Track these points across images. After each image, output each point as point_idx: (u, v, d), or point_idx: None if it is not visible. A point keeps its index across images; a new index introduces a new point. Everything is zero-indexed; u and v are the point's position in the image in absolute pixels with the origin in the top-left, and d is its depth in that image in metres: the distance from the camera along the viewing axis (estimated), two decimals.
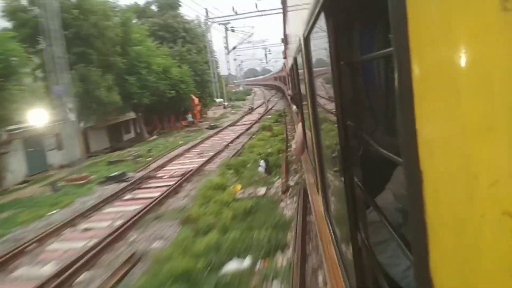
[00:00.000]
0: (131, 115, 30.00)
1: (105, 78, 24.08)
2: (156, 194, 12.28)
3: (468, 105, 0.47)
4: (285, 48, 9.76)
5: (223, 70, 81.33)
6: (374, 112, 2.20)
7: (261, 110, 42.18)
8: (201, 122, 35.75)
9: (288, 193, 10.99)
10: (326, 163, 2.76)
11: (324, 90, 2.44)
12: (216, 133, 26.82)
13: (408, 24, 0.59)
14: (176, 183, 13.48)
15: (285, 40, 8.97)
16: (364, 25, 1.97)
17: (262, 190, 11.49)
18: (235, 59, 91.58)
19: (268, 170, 12.98)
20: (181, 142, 24.59)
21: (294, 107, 7.76)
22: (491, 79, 0.44)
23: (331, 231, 2.66)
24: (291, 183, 11.85)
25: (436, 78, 0.54)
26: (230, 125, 30.66)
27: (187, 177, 14.29)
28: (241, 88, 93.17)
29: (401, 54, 0.62)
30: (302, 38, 2.91)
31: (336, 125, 1.87)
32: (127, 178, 15.50)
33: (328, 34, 1.75)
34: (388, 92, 2.19)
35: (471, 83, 0.47)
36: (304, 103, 3.91)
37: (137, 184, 14.46)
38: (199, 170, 15.44)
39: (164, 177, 15.23)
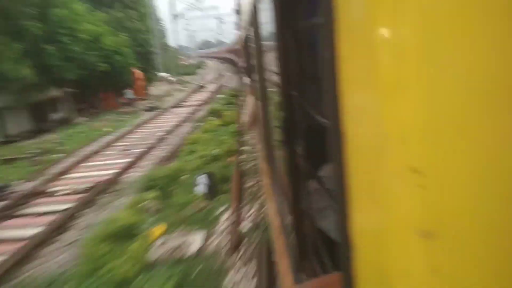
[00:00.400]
0: (58, 92, 25.13)
1: (12, 47, 19.56)
2: (30, 232, 7.01)
3: (381, 64, 0.47)
4: (238, 19, 9.59)
5: (174, 41, 72.58)
6: (319, 81, 2.21)
7: (212, 87, 35.29)
8: (143, 100, 29.26)
9: (240, 252, 6.01)
10: (273, 134, 2.77)
11: (271, 59, 2.41)
12: (154, 117, 20.94)
13: None
14: (70, 208, 8.14)
15: (238, 11, 8.80)
16: None
17: (196, 241, 6.30)
18: (186, 30, 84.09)
19: (211, 191, 8.28)
20: (107, 129, 18.64)
21: (246, 78, 7.70)
22: (402, 38, 0.44)
23: (276, 200, 2.70)
24: (247, 222, 6.89)
25: (357, 42, 0.55)
26: (173, 107, 24.73)
27: (91, 197, 8.81)
28: (192, 61, 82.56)
29: (329, 23, 0.62)
30: (252, 7, 2.85)
31: (280, 95, 1.86)
32: (5, 194, 9.79)
33: (272, 2, 1.71)
34: None
35: (382, 39, 0.46)
36: (254, 73, 3.88)
37: (13, 209, 8.58)
38: (113, 182, 9.87)
39: (58, 194, 9.50)
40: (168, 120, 19.22)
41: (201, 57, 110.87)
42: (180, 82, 40.34)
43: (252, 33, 3.37)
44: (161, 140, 14.59)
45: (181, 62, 66.54)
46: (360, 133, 0.56)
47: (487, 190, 0.43)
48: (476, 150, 0.43)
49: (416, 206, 0.44)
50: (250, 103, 4.99)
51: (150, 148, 13.41)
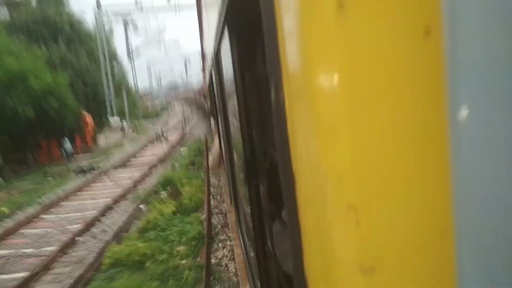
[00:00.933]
0: None
1: None
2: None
3: (315, 107, 0.51)
4: (203, 62, 9.78)
5: (138, 82, 71.46)
6: None
7: (174, 135, 28.95)
8: (87, 152, 24.22)
9: None
10: (237, 174, 2.79)
11: (232, 102, 2.48)
12: (82, 187, 14.45)
13: (279, 48, 0.64)
14: None
15: (202, 55, 9.00)
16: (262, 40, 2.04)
17: None
18: (150, 69, 78.57)
19: None
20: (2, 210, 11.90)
21: (213, 120, 7.77)
22: (331, 80, 0.48)
23: (242, 241, 2.69)
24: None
25: (297, 86, 0.59)
26: (116, 167, 18.12)
27: None
28: (156, 103, 78.97)
29: (275, 73, 0.67)
30: (213, 52, 2.95)
31: (241, 136, 1.91)
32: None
33: (231, 48, 1.79)
34: None
35: (316, 86, 0.51)
36: (219, 116, 3.94)
37: None
38: None
39: None
40: (98, 196, 12.92)
41: (167, 99, 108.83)
42: (136, 129, 34.54)
43: (213, 77, 3.45)
44: (71, 244, 8.51)
45: (144, 105, 61.76)
46: (306, 173, 0.60)
47: (419, 224, 0.47)
48: (406, 187, 0.47)
49: (355, 241, 0.47)
50: (216, 144, 5.01)
51: (45, 269, 7.25)
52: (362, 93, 0.46)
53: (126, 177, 15.29)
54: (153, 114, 56.19)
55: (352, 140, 0.46)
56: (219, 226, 8.35)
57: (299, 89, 0.58)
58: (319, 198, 0.54)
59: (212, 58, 3.25)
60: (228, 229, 6.92)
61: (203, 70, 11.25)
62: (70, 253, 8.12)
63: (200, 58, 10.91)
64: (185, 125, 33.46)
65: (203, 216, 8.69)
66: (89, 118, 26.26)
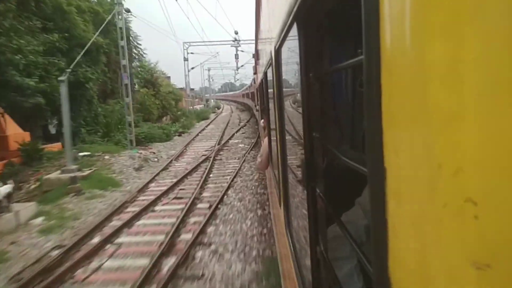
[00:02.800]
0: None
1: None
2: None
3: (433, 96, 0.48)
4: (256, 64, 9.86)
5: (192, 84, 72.79)
6: (340, 125, 2.24)
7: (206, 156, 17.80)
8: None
9: None
10: (290, 176, 2.76)
11: (292, 101, 2.46)
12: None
13: (380, 31, 0.61)
14: None
15: (256, 56, 9.07)
16: (335, 38, 2.01)
17: None
18: (209, 71, 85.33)
19: None
20: None
21: (262, 121, 7.81)
22: (456, 71, 0.45)
23: (291, 245, 2.65)
24: None
25: (403, 75, 0.56)
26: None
27: None
28: (200, 106, 77.66)
29: (372, 60, 0.65)
30: (273, 51, 2.95)
31: (302, 136, 1.89)
32: None
33: (299, 46, 1.78)
34: (354, 105, 2.24)
35: (436, 77, 0.48)
36: (272, 115, 3.94)
37: None
38: None
39: None
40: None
41: (218, 99, 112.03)
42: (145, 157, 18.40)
43: (271, 76, 3.45)
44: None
45: (189, 106, 62.01)
46: (405, 167, 0.57)
47: None
48: None
49: (471, 237, 0.44)
50: (265, 145, 5.02)
51: None
52: (497, 83, 0.42)
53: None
54: (189, 122, 40.11)
55: (477, 130, 0.43)
56: None
57: (404, 77, 0.55)
58: (425, 192, 0.50)
59: (271, 56, 3.26)
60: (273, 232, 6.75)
61: (255, 72, 11.34)
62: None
63: (254, 60, 11.01)
64: (223, 134, 28.85)
65: None
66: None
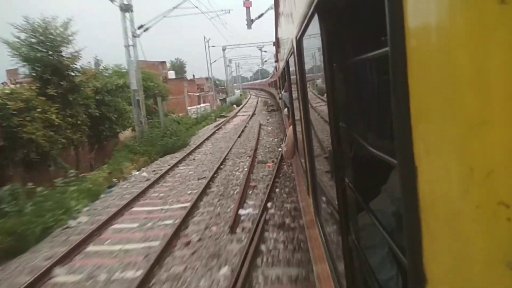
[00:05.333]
0: None
1: None
2: None
3: (463, 99, 0.49)
4: (277, 52, 9.79)
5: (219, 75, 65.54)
6: (366, 114, 2.22)
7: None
8: None
9: None
10: (318, 165, 2.76)
11: (316, 91, 2.45)
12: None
13: (404, 22, 0.61)
14: None
15: (276, 44, 9.01)
16: (357, 27, 1.99)
17: None
18: (230, 61, 79.64)
19: None
20: None
21: (285, 110, 7.77)
22: (487, 72, 0.45)
23: (322, 234, 2.66)
24: None
25: (431, 73, 0.56)
26: None
27: None
28: (221, 99, 65.93)
29: (397, 53, 0.64)
30: (294, 40, 2.93)
31: (328, 126, 1.88)
32: None
33: (321, 35, 1.76)
34: (380, 94, 2.21)
35: (466, 77, 0.48)
36: (296, 105, 3.93)
37: None
38: None
39: None
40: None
41: (246, 88, 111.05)
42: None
43: (293, 65, 3.44)
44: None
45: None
46: (436, 167, 0.57)
47: None
48: None
49: (505, 238, 0.44)
50: (290, 134, 5.01)
51: None
52: None
53: None
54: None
55: (507, 134, 0.43)
56: None
57: (432, 71, 0.55)
58: (457, 192, 0.51)
59: (292, 45, 3.24)
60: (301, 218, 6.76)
61: (276, 60, 11.27)
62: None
63: (275, 48, 10.94)
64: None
65: None
66: None
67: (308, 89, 2.78)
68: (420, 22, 0.58)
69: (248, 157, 15.54)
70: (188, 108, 42.69)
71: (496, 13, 0.42)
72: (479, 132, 0.46)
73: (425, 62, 0.58)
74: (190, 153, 18.48)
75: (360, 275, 1.86)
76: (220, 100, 64.64)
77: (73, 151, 18.45)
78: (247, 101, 72.68)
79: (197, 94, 54.80)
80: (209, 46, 53.86)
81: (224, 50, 59.86)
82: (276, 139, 20.05)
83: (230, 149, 18.13)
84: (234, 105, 56.80)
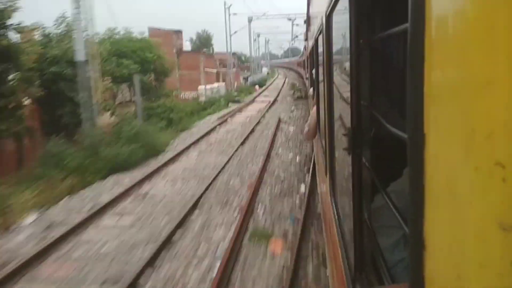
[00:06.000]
0: None
1: None
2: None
3: (470, 62, 0.49)
4: (307, 30, 9.64)
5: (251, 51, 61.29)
6: (390, 93, 2.19)
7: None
8: None
9: None
10: (336, 143, 2.76)
11: (341, 69, 2.43)
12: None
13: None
14: None
15: (307, 22, 8.86)
16: (386, 4, 1.94)
17: None
18: (258, 36, 72.48)
19: None
20: None
21: (311, 90, 7.69)
22: (493, 36, 0.45)
23: (335, 212, 2.68)
24: None
25: (448, 45, 0.56)
26: None
27: None
28: (245, 77, 59.15)
29: (416, 26, 0.65)
30: (324, 17, 2.89)
31: (350, 104, 1.87)
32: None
33: (349, 11, 1.74)
34: (405, 74, 2.18)
35: (474, 40, 0.49)
36: (321, 83, 3.90)
37: None
38: None
39: None
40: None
41: (274, 66, 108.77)
42: None
43: (321, 43, 3.39)
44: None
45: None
46: (443, 132, 0.58)
47: None
48: None
49: (499, 199, 0.45)
50: (313, 114, 4.99)
51: None
52: None
53: None
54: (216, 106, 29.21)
55: (510, 95, 0.43)
56: None
57: (448, 44, 0.55)
58: (459, 156, 0.52)
59: (321, 22, 3.19)
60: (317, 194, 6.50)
61: (306, 39, 11.10)
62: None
63: (305, 26, 10.77)
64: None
65: None
66: None
67: (334, 68, 2.76)
68: (440, 3, 0.59)
69: (237, 206, 8.32)
70: (200, 87, 35.67)
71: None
72: (482, 92, 0.47)
73: (441, 35, 0.59)
74: (149, 176, 11.29)
75: (369, 255, 1.88)
76: (244, 78, 59.07)
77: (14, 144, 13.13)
78: (273, 81, 65.19)
79: (215, 70, 46.19)
80: (229, 14, 45.25)
81: (250, 21, 51.28)
82: (298, 156, 11.92)
83: (219, 173, 11.05)
84: (257, 86, 50.39)
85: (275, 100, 31.26)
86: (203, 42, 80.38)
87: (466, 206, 0.51)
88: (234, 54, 61.52)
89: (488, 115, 0.46)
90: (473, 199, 0.49)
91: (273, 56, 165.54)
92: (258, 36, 68.49)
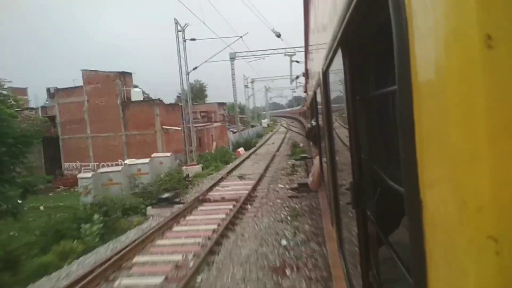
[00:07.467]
0: None
1: None
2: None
3: (455, 137, 0.52)
4: (306, 83, 9.91)
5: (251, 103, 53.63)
6: (388, 146, 2.22)
7: None
8: None
9: None
10: (341, 196, 2.75)
11: (340, 123, 2.48)
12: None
13: (410, 63, 0.65)
14: None
15: (306, 75, 9.13)
16: (380, 62, 2.02)
17: None
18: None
19: None
20: None
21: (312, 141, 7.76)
22: (474, 112, 0.48)
23: (344, 265, 2.62)
24: None
25: (432, 112, 0.59)
26: None
27: None
28: (242, 132, 43.28)
29: (405, 90, 0.68)
30: (321, 73, 2.99)
31: (350, 158, 1.89)
32: None
33: (344, 69, 1.81)
34: None
35: (457, 117, 0.51)
36: (322, 136, 3.95)
37: None
38: None
39: None
40: None
41: (274, 116, 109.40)
42: None
43: (320, 97, 3.48)
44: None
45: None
46: (437, 202, 0.59)
47: None
48: None
49: (493, 271, 0.46)
50: (316, 164, 5.01)
51: None
52: (506, 124, 0.45)
53: None
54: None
55: (495, 170, 0.45)
56: None
57: (433, 112, 0.58)
58: (453, 226, 0.53)
59: (319, 78, 3.30)
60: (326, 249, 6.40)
61: (305, 91, 11.38)
62: None
63: (304, 79, 11.08)
64: None
65: None
66: None
67: (333, 121, 2.81)
68: (424, 63, 0.62)
69: None
70: (128, 161, 22.40)
71: (483, 57, 0.46)
72: (470, 167, 0.48)
73: (429, 99, 0.61)
74: None
75: None
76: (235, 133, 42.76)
77: None
78: (271, 136, 52.43)
79: (179, 128, 30.11)
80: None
81: (232, 60, 37.59)
82: None
83: None
84: (240, 149, 34.05)
85: (259, 180, 17.84)
86: (196, 93, 63.96)
87: (464, 276, 0.52)
88: (222, 103, 51.90)
89: (477, 189, 0.47)
90: (470, 269, 0.50)
91: (277, 106, 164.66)
92: (253, 82, 56.69)
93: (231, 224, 11.17)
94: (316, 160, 5.14)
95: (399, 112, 0.73)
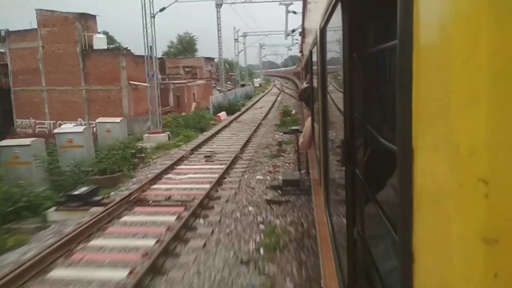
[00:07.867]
0: None
1: None
2: None
3: (455, 82, 0.51)
4: (302, 42, 9.74)
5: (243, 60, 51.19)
6: (383, 106, 2.22)
7: None
8: None
9: None
10: (330, 155, 2.78)
11: (335, 82, 2.46)
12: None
13: (413, 17, 0.64)
14: None
15: (302, 34, 8.96)
16: (379, 19, 1.98)
17: None
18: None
19: None
20: None
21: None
22: (475, 58, 0.47)
23: (329, 223, 2.69)
24: None
25: (432, 61, 0.58)
26: None
27: None
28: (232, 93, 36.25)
29: (405, 44, 0.67)
30: (318, 30, 2.93)
31: (343, 116, 1.89)
32: None
33: (342, 25, 1.77)
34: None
35: (458, 62, 0.51)
36: (315, 95, 3.93)
37: None
38: None
39: None
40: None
41: (268, 75, 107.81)
42: None
43: (315, 56, 3.43)
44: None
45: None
46: (430, 147, 0.60)
47: None
48: None
49: (482, 213, 0.47)
50: (308, 125, 5.02)
51: None
52: (507, 68, 0.44)
53: None
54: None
55: (492, 114, 0.45)
56: None
57: (434, 62, 0.57)
58: (444, 170, 0.54)
59: (316, 35, 3.23)
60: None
61: (301, 51, 11.21)
62: None
63: (300, 38, 10.88)
64: None
65: None
66: None
67: (328, 80, 2.78)
68: (427, 18, 0.61)
69: None
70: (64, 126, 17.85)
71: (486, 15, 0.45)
72: (467, 111, 0.48)
73: (428, 54, 0.60)
74: None
75: (362, 266, 1.89)
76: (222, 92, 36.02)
77: None
78: (261, 98, 46.41)
79: (146, 84, 21.46)
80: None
81: (219, 6, 31.05)
82: None
83: None
84: (222, 113, 27.97)
85: (232, 164, 13.09)
86: (186, 46, 63.75)
87: (451, 220, 0.53)
88: (209, 58, 46.27)
89: (471, 133, 0.48)
90: (458, 213, 0.51)
91: (272, 65, 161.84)
92: (245, 36, 48.91)
93: (153, 270, 5.91)
94: (308, 122, 5.14)
95: (398, 63, 0.72)
